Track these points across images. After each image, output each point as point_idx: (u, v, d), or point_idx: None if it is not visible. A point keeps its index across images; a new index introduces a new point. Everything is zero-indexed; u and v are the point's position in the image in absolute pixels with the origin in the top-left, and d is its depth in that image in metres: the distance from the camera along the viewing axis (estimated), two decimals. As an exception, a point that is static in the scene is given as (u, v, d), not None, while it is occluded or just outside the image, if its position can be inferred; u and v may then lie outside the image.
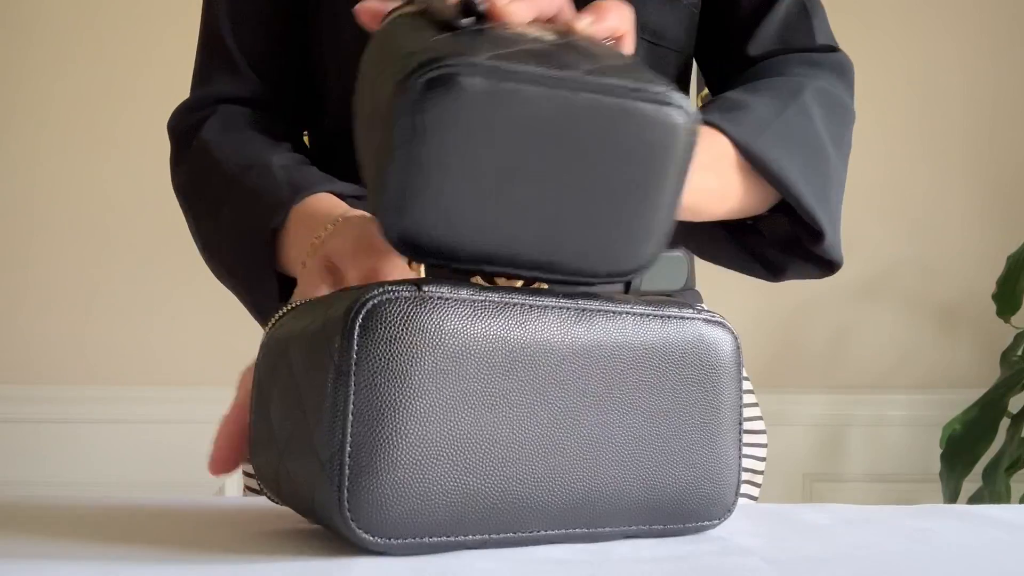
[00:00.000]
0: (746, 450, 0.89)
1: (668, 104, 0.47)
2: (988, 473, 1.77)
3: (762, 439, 0.92)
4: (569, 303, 0.49)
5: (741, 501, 0.82)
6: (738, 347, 0.53)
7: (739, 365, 0.53)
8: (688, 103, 0.48)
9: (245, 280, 0.75)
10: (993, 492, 1.74)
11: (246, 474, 0.95)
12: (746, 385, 0.91)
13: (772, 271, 0.84)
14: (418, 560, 0.46)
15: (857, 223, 2.10)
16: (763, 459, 0.92)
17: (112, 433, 2.02)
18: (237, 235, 0.73)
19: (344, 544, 0.50)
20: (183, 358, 2.03)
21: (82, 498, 0.64)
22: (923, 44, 2.13)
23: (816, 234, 0.78)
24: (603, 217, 0.48)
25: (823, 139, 0.78)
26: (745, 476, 0.89)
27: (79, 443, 2.02)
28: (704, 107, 0.76)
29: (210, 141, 0.78)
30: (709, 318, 0.52)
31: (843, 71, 0.85)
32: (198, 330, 2.02)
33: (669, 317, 0.51)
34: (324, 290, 0.58)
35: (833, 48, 0.87)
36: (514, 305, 0.47)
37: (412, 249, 0.48)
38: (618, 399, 0.49)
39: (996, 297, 1.89)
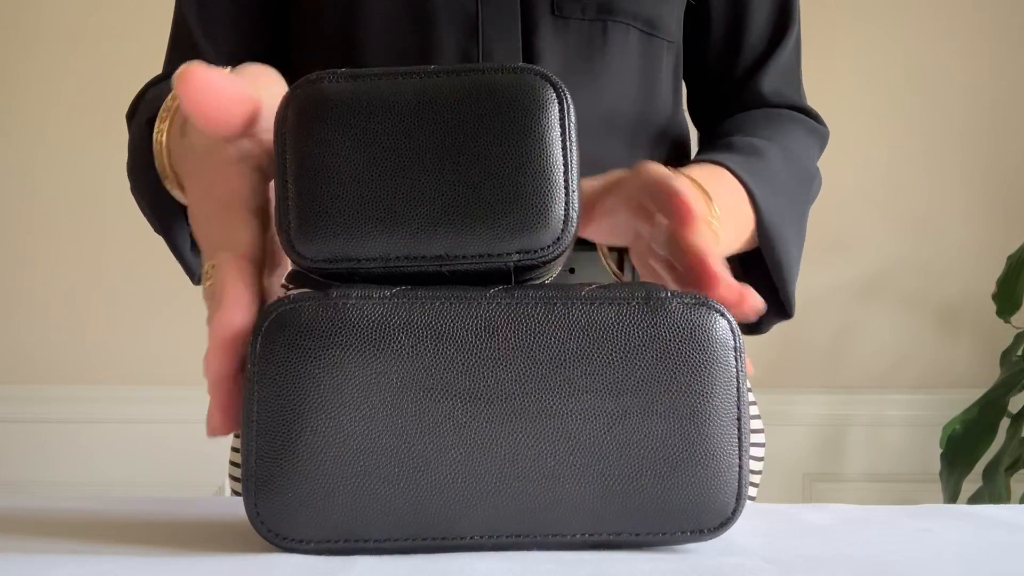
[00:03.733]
0: None
1: (521, 71, 0.48)
2: (988, 473, 1.77)
3: (760, 438, 0.92)
4: (503, 295, 0.47)
5: (747, 502, 0.81)
6: (734, 332, 0.48)
7: (736, 352, 0.48)
8: (545, 70, 0.48)
9: (141, 192, 0.70)
10: (993, 492, 1.74)
11: (232, 478, 0.95)
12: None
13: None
14: (418, 561, 0.46)
15: (857, 223, 2.10)
16: (761, 459, 0.92)
17: (112, 433, 2.02)
18: (132, 145, 0.70)
19: (344, 544, 0.50)
20: (183, 358, 2.03)
21: (82, 498, 0.64)
22: (923, 44, 2.13)
23: (782, 311, 0.79)
24: (487, 194, 0.47)
25: (805, 228, 0.80)
26: None
27: (79, 443, 2.02)
28: (737, 150, 0.76)
29: (147, 96, 0.75)
30: (691, 301, 0.48)
31: (822, 142, 0.88)
32: (198, 330, 2.02)
33: (628, 302, 0.47)
34: (223, 143, 0.53)
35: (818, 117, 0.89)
36: (435, 299, 0.46)
37: (323, 265, 0.47)
38: (561, 395, 0.46)
39: (996, 297, 1.89)
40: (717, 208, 0.66)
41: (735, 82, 0.87)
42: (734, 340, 0.48)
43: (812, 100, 0.90)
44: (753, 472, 0.91)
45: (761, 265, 0.76)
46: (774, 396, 2.00)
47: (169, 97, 0.60)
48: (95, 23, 2.06)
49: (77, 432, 2.02)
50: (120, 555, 0.47)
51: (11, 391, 2.03)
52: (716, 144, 0.78)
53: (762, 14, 0.87)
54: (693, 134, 0.92)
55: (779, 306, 0.79)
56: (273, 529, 0.47)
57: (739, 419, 0.48)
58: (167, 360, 2.04)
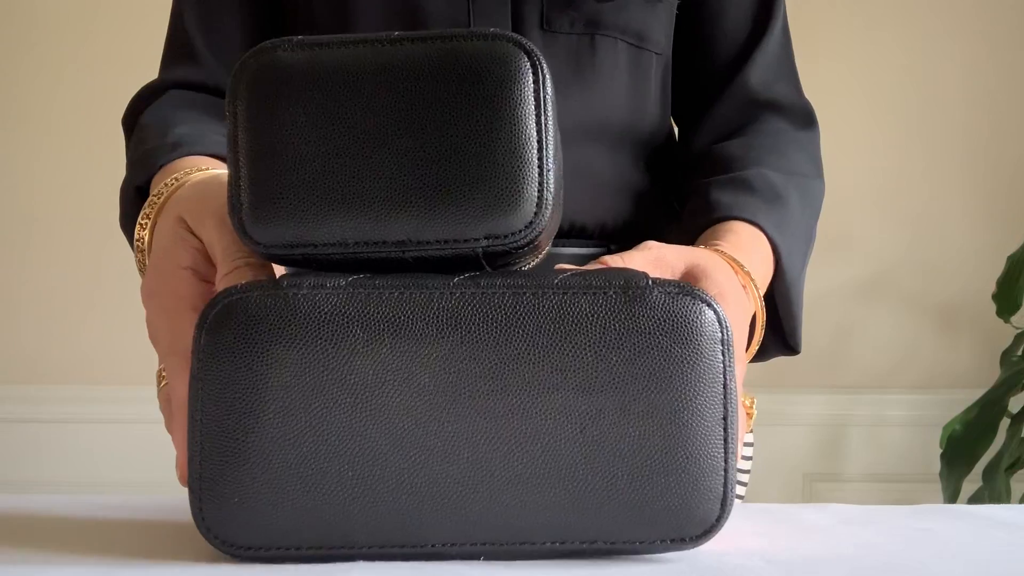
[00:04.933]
0: None
1: (493, 38, 0.44)
2: (988, 473, 1.77)
3: (749, 438, 0.92)
4: (468, 283, 0.44)
5: (735, 502, 0.81)
6: (721, 323, 0.44)
7: (724, 345, 0.44)
8: (519, 37, 0.45)
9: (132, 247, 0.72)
10: (993, 492, 1.74)
11: None
12: None
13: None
14: (412, 569, 0.46)
15: (857, 223, 2.10)
16: (750, 458, 0.92)
17: (112, 433, 2.01)
18: (122, 197, 0.72)
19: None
20: (183, 358, 2.02)
21: (81, 498, 0.64)
22: (923, 44, 2.13)
23: (788, 348, 0.81)
24: (453, 173, 0.44)
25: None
26: None
27: (79, 443, 2.02)
28: (760, 195, 0.76)
29: (145, 121, 0.76)
30: (675, 289, 0.44)
31: (818, 149, 0.88)
32: (198, 330, 2.02)
33: (605, 291, 0.43)
34: (180, 248, 0.54)
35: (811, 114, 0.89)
36: (394, 288, 0.43)
37: (277, 251, 0.45)
38: (530, 392, 0.43)
39: (996, 297, 1.89)
40: (756, 284, 0.66)
41: (719, 76, 0.87)
42: (722, 332, 0.44)
43: (812, 101, 0.90)
44: (741, 471, 0.91)
45: (768, 301, 0.76)
46: (774, 396, 1.99)
47: (148, 204, 0.60)
48: (96, 24, 2.06)
49: (76, 432, 2.02)
50: (120, 556, 0.47)
51: (11, 391, 2.03)
52: (734, 181, 0.77)
53: (742, 6, 0.87)
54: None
55: (783, 343, 0.80)
56: (220, 536, 0.44)
57: (725, 419, 0.44)
58: (167, 360, 2.04)
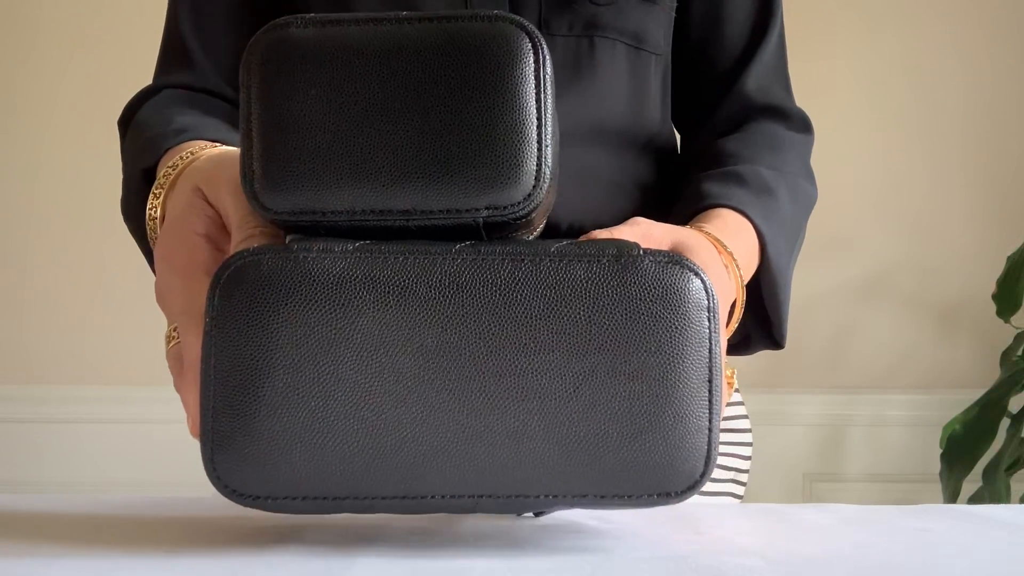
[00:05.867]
0: (731, 449, 0.89)
1: (496, 19, 0.46)
2: (988, 473, 1.77)
3: (747, 438, 0.92)
4: (469, 250, 0.46)
5: (734, 501, 0.82)
6: (707, 292, 0.46)
7: (710, 312, 0.46)
8: (521, 18, 0.47)
9: (134, 230, 0.73)
10: (993, 492, 1.74)
11: None
12: None
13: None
14: (418, 560, 0.46)
15: (857, 223, 2.10)
16: (748, 458, 0.92)
17: (112, 433, 2.02)
18: (125, 184, 0.73)
19: (344, 542, 0.50)
20: (183, 358, 2.02)
21: (82, 498, 0.64)
22: (923, 44, 2.13)
23: (772, 342, 0.81)
24: (456, 147, 0.46)
25: (796, 258, 0.82)
26: (729, 475, 0.89)
27: (79, 443, 2.02)
28: (749, 187, 0.77)
29: (142, 117, 0.77)
30: (664, 259, 0.46)
31: (809, 154, 0.88)
32: (198, 330, 2.02)
33: (599, 259, 0.46)
34: (195, 216, 0.56)
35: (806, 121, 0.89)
36: (398, 254, 0.45)
37: (287, 218, 0.47)
38: (527, 353, 0.45)
39: (996, 297, 1.89)
40: (738, 265, 0.67)
41: (717, 82, 0.87)
42: (708, 300, 0.46)
43: (811, 100, 0.90)
44: (740, 471, 0.91)
45: (754, 292, 0.77)
46: (774, 396, 2.00)
47: (163, 174, 0.62)
48: (96, 25, 2.06)
49: (77, 432, 2.02)
50: (120, 555, 0.47)
51: (11, 391, 2.03)
52: (726, 174, 0.79)
53: (741, 12, 0.87)
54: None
55: (770, 336, 0.80)
56: (230, 485, 0.46)
57: (710, 381, 0.46)
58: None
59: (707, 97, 0.88)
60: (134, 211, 0.71)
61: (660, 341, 0.45)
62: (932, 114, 2.13)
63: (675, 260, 0.46)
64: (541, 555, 0.48)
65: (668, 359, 0.45)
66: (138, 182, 0.70)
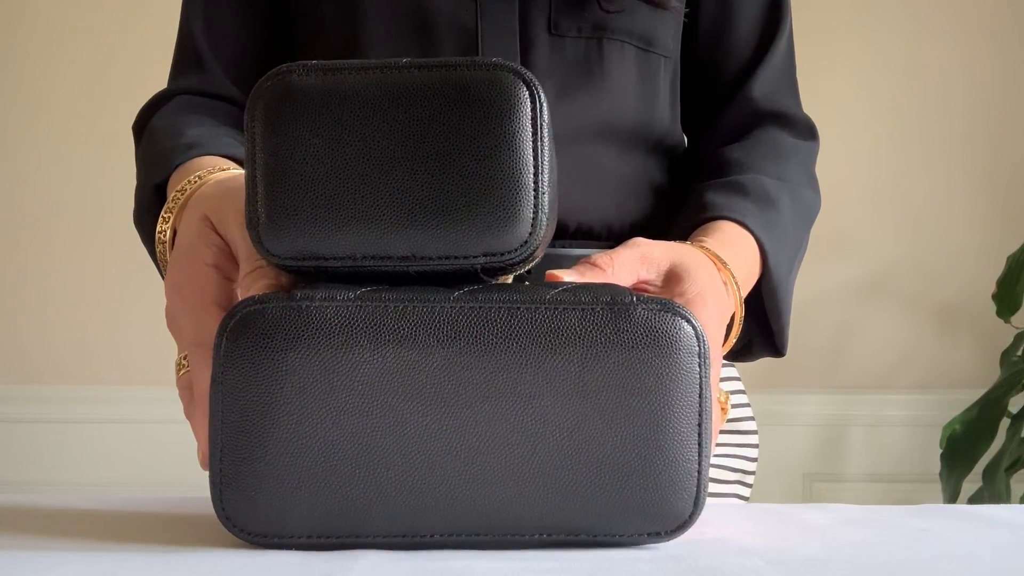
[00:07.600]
0: (737, 450, 0.89)
1: (494, 68, 0.47)
2: (988, 473, 1.77)
3: (753, 439, 0.92)
4: (467, 298, 0.47)
5: (734, 502, 0.82)
6: (699, 338, 0.48)
7: (700, 358, 0.48)
8: (519, 67, 0.48)
9: (145, 239, 0.74)
10: (993, 492, 1.74)
11: None
12: (737, 385, 0.91)
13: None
14: (418, 560, 0.46)
15: (857, 223, 2.10)
16: (754, 459, 0.92)
17: (112, 433, 2.02)
18: (138, 194, 0.74)
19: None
20: (183, 358, 2.02)
21: (82, 498, 0.65)
22: (923, 44, 2.13)
23: (774, 349, 0.82)
24: (454, 194, 0.47)
25: (798, 267, 0.83)
26: (735, 476, 0.89)
27: (79, 443, 2.02)
28: (751, 197, 0.77)
29: (155, 125, 0.78)
30: (656, 306, 0.48)
31: (814, 162, 0.89)
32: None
33: (592, 307, 0.47)
34: (204, 246, 0.57)
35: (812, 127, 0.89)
36: (399, 302, 0.47)
37: (291, 263, 0.49)
38: (522, 398, 0.47)
39: (996, 297, 1.89)
40: (736, 281, 0.67)
41: (725, 87, 0.87)
42: (699, 346, 0.48)
43: (812, 101, 0.90)
44: (746, 472, 0.91)
45: (756, 301, 0.77)
46: (774, 396, 1.99)
47: (172, 199, 0.63)
48: (97, 24, 2.06)
49: (77, 432, 2.02)
50: (120, 555, 0.48)
51: (11, 391, 2.03)
52: (728, 184, 0.79)
53: (750, 17, 0.87)
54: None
55: (771, 344, 0.81)
56: (238, 524, 0.47)
57: (700, 425, 0.48)
58: (167, 360, 2.04)
59: (714, 102, 0.88)
60: (146, 223, 0.73)
61: (651, 387, 0.47)
62: (932, 114, 2.13)
63: (667, 307, 0.48)
64: (541, 555, 0.48)
65: (659, 404, 0.47)
66: (150, 196, 0.71)
